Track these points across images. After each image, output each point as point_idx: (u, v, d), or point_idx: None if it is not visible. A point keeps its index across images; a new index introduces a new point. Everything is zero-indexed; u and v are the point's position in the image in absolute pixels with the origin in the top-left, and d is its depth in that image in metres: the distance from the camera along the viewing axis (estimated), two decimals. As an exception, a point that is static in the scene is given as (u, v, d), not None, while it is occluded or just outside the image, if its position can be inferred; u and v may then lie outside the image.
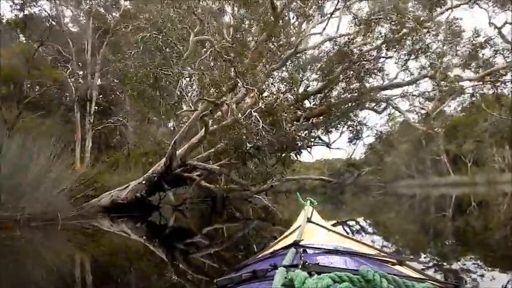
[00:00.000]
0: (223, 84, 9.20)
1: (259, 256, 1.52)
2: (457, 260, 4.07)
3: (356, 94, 13.62)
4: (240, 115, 8.74)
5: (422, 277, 1.10)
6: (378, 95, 15.11)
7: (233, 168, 10.90)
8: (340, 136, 18.28)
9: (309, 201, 2.40)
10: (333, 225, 2.39)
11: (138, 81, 9.78)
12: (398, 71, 15.56)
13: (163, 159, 10.67)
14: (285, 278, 0.76)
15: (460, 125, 32.20)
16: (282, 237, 1.97)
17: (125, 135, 18.66)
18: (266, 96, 10.53)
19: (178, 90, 9.68)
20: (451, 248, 5.04)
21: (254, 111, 8.89)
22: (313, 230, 1.83)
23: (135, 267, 4.30)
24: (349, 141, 17.66)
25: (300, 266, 0.93)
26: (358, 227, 7.89)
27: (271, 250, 1.53)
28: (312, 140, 15.26)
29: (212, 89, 9.05)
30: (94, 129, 17.59)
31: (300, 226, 1.80)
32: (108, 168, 14.80)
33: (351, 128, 16.76)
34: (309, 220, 1.95)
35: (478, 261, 3.96)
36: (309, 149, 14.74)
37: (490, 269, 3.58)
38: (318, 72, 14.97)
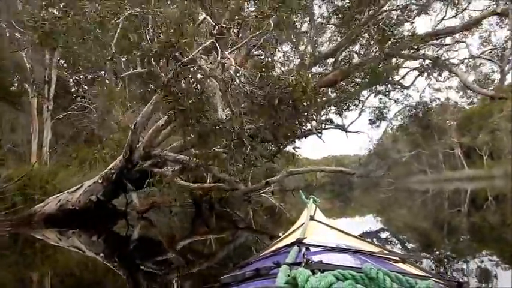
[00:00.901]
0: (186, 23, 5.89)
1: (262, 254, 1.55)
2: (467, 257, 4.00)
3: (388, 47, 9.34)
4: (218, 75, 5.56)
5: (426, 274, 1.11)
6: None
7: (214, 159, 7.75)
8: (358, 116, 14.71)
9: (311, 199, 2.46)
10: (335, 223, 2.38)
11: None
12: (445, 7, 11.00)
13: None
14: (288, 275, 0.78)
15: (474, 117, 31.96)
16: (285, 235, 2.02)
17: (93, 123, 16.12)
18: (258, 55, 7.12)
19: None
20: (465, 245, 4.97)
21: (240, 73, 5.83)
22: (316, 227, 1.88)
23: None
24: (371, 123, 14.68)
25: (303, 264, 0.95)
26: (368, 224, 7.85)
27: (274, 248, 1.57)
28: (323, 123, 12.51)
29: (171, 31, 5.65)
30: (54, 118, 15.11)
31: (303, 224, 1.86)
32: (70, 163, 12.76)
33: (376, 105, 13.65)
34: (311, 218, 2.01)
35: (490, 259, 3.88)
36: (319, 133, 10.56)
37: (503, 267, 3.52)
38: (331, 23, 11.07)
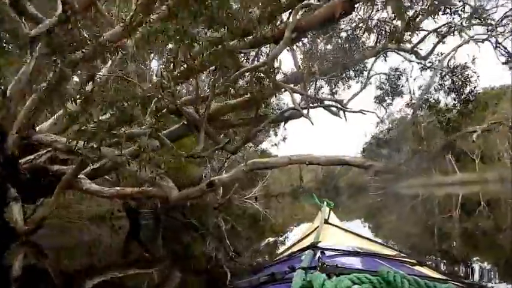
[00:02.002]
0: None
1: (277, 258, 1.61)
2: (476, 262, 3.91)
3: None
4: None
5: (444, 277, 1.12)
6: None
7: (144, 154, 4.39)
8: (361, 90, 8.83)
9: (325, 202, 2.50)
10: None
11: None
12: None
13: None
14: (304, 280, 0.80)
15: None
16: (299, 238, 2.06)
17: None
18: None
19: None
20: (457, 252, 4.81)
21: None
22: (330, 231, 1.92)
23: None
24: (378, 101, 9.67)
25: (319, 268, 0.96)
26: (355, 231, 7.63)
27: (289, 252, 1.63)
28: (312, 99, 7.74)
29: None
30: None
31: (317, 227, 1.89)
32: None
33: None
34: (326, 221, 2.05)
35: (481, 266, 3.80)
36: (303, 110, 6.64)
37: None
38: None
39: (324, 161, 6.37)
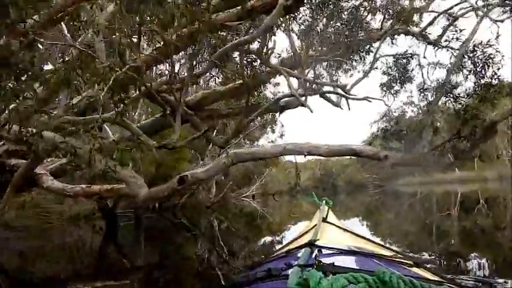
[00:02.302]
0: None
1: (274, 255, 1.65)
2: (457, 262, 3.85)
3: None
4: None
5: (440, 280, 1.14)
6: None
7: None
8: (366, 75, 7.74)
9: (324, 201, 2.53)
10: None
11: None
12: None
13: None
14: (300, 277, 0.80)
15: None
16: (296, 236, 2.11)
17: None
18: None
19: None
20: (455, 249, 4.81)
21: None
22: (328, 229, 1.94)
23: None
24: (385, 88, 8.23)
25: (315, 266, 0.98)
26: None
27: (286, 249, 1.64)
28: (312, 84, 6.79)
29: None
30: None
31: (315, 225, 1.91)
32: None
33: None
34: (324, 220, 2.08)
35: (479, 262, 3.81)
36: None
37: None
38: None
39: (325, 151, 5.03)
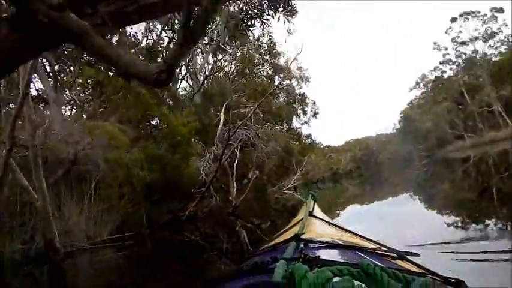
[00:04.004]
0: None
1: (261, 249, 1.69)
2: None
3: None
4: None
5: (423, 271, 1.18)
6: None
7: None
8: None
9: (310, 195, 2.59)
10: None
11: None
12: None
13: None
14: (286, 271, 0.84)
15: (507, 66, 30.71)
16: (283, 230, 2.14)
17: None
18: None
19: None
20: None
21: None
22: (314, 223, 2.00)
23: None
24: None
25: (301, 259, 1.02)
26: (404, 206, 7.42)
27: (272, 243, 1.69)
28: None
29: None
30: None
31: (301, 220, 1.95)
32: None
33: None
34: (310, 214, 2.14)
35: None
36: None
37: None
38: None
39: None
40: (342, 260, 1.15)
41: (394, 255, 1.36)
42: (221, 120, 14.05)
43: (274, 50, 22.70)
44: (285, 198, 16.21)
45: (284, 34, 32.73)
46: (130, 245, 8.02)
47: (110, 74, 12.24)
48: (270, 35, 21.30)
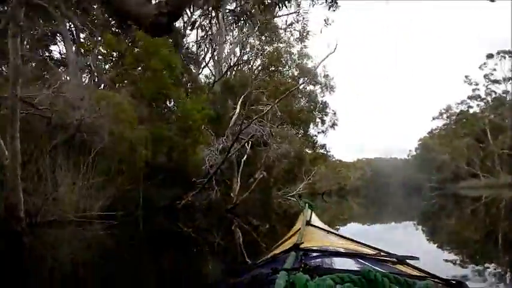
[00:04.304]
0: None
1: (260, 261, 1.64)
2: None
3: None
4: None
5: (424, 275, 1.18)
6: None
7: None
8: None
9: (307, 205, 2.59)
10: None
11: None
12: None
13: None
14: (287, 281, 0.82)
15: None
16: (281, 241, 2.12)
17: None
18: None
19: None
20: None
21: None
22: (312, 232, 1.99)
23: None
24: None
25: (301, 269, 1.00)
26: (406, 233, 7.36)
27: (271, 254, 1.68)
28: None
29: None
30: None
31: (299, 229, 1.95)
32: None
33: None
34: (308, 223, 2.14)
35: None
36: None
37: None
38: None
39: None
40: (343, 268, 1.15)
41: (394, 260, 1.37)
42: (237, 111, 13.61)
43: (306, 41, 21.99)
44: (288, 205, 16.15)
45: (320, 24, 31.50)
46: (121, 224, 7.73)
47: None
48: (304, 22, 20.87)
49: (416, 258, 1.38)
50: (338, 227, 8.76)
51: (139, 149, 9.60)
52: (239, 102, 13.87)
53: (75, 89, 9.87)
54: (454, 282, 1.05)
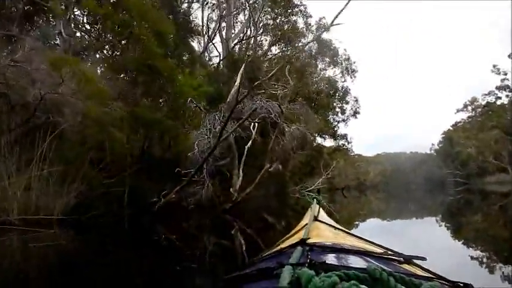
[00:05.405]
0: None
1: (266, 254, 1.67)
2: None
3: None
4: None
5: (430, 275, 1.18)
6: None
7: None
8: None
9: (315, 200, 2.58)
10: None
11: None
12: None
13: None
14: (292, 276, 0.84)
15: None
16: (288, 235, 2.12)
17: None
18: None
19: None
20: None
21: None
22: (319, 228, 1.97)
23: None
24: None
25: (307, 264, 1.01)
26: (430, 229, 7.12)
27: (277, 248, 1.69)
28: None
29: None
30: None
31: (306, 224, 1.97)
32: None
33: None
34: (315, 218, 2.15)
35: None
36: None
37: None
38: None
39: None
40: (349, 265, 1.16)
41: (401, 259, 1.37)
42: (237, 83, 10.41)
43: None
44: (306, 201, 15.97)
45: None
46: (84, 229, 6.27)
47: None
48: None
49: (424, 259, 1.35)
50: (358, 222, 8.58)
51: (113, 133, 7.88)
52: (240, 71, 10.88)
53: (36, 58, 7.78)
54: (461, 284, 1.04)
